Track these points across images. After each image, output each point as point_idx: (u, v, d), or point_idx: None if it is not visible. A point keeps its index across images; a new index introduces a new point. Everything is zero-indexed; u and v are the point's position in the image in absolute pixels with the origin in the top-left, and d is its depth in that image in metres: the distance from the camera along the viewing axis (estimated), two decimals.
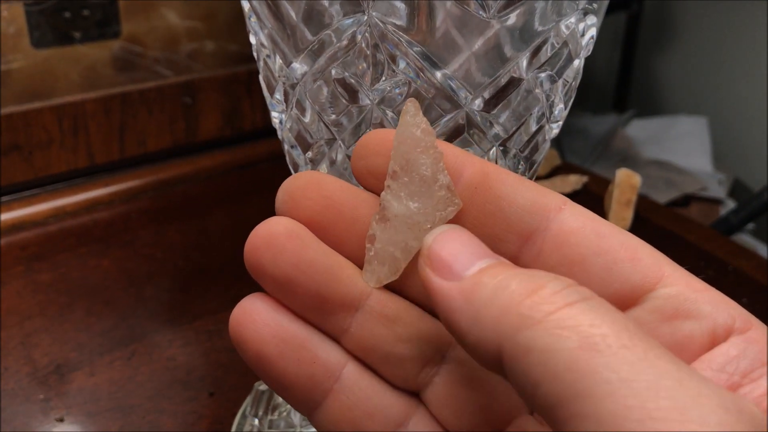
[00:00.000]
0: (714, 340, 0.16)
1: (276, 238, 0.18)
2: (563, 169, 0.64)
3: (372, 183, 0.19)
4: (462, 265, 0.16)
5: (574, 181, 0.61)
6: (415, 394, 0.19)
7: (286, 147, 0.26)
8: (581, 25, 0.23)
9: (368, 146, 0.19)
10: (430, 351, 0.19)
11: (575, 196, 0.60)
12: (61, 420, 0.37)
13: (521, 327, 0.14)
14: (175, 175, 0.60)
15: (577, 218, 0.18)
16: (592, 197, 0.60)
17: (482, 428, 0.18)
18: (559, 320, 0.14)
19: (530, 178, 0.27)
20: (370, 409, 0.19)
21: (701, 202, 0.95)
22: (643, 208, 0.57)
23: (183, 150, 0.61)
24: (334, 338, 0.19)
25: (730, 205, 0.98)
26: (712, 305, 0.16)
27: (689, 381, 0.13)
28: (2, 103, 0.53)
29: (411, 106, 0.18)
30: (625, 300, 0.17)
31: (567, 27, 0.22)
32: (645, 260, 0.17)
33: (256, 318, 0.18)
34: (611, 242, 0.17)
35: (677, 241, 0.54)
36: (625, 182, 0.55)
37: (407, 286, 0.19)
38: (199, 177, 0.60)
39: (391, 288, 0.19)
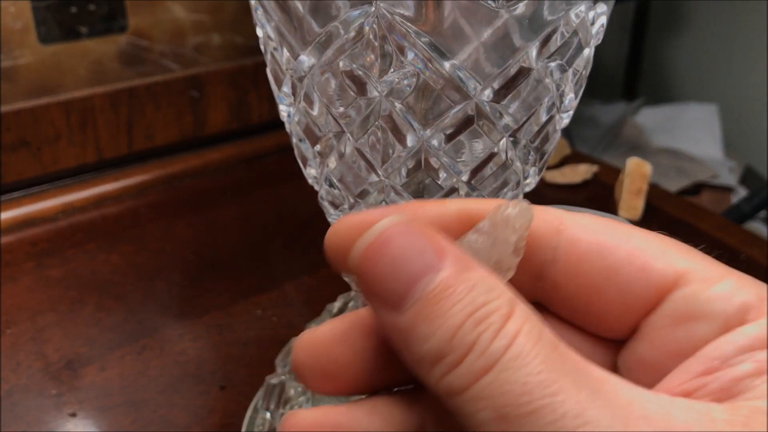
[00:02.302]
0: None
1: None
2: (573, 158, 0.64)
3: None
4: (400, 292, 0.14)
5: (584, 170, 0.60)
6: None
7: (294, 140, 0.26)
8: (591, 14, 0.23)
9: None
10: None
11: (585, 186, 0.60)
12: (73, 415, 0.37)
13: (450, 395, 0.14)
14: (183, 169, 0.60)
15: (579, 242, 0.17)
16: (603, 186, 0.60)
17: None
18: (476, 393, 0.14)
19: (541, 169, 0.27)
20: None
21: (712, 190, 0.95)
22: (654, 197, 0.57)
23: (191, 144, 0.61)
24: None
25: (742, 192, 0.97)
26: (724, 300, 0.16)
27: None
28: (10, 99, 0.53)
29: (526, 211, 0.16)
30: (645, 310, 0.17)
31: (577, 15, 0.22)
32: (656, 265, 0.16)
33: None
34: (619, 257, 0.16)
35: (689, 230, 0.54)
36: (636, 171, 0.55)
37: None
38: (207, 171, 0.60)
39: None
